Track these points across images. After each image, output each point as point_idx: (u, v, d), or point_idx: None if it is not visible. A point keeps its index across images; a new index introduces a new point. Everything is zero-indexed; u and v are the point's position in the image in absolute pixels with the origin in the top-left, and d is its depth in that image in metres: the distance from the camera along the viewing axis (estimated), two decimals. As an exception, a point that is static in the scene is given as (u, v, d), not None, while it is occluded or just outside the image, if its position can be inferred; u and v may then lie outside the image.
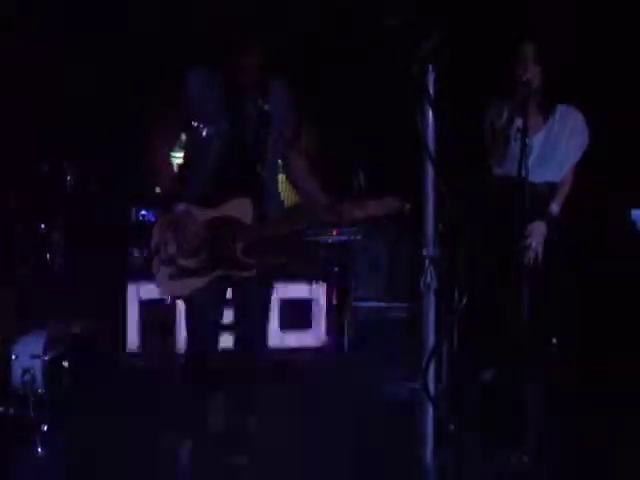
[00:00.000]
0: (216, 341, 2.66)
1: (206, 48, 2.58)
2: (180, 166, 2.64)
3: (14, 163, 4.30)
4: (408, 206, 2.38)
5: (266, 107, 2.50)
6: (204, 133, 2.45)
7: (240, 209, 2.45)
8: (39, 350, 3.37)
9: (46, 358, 3.38)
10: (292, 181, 2.70)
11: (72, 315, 3.89)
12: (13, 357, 3.31)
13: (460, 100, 3.23)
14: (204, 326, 2.59)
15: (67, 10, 4.63)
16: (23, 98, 4.67)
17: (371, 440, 3.18)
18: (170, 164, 2.62)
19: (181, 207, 2.44)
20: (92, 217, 4.48)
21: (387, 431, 3.27)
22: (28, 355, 3.34)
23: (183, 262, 2.43)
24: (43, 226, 3.68)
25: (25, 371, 3.26)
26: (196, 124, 2.46)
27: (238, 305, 2.63)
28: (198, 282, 2.45)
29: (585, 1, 4.05)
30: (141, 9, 4.74)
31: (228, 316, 2.66)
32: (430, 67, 1.89)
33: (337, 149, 5.53)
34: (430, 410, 1.94)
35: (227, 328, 2.71)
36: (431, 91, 1.89)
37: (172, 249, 2.44)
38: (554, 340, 2.89)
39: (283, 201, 2.69)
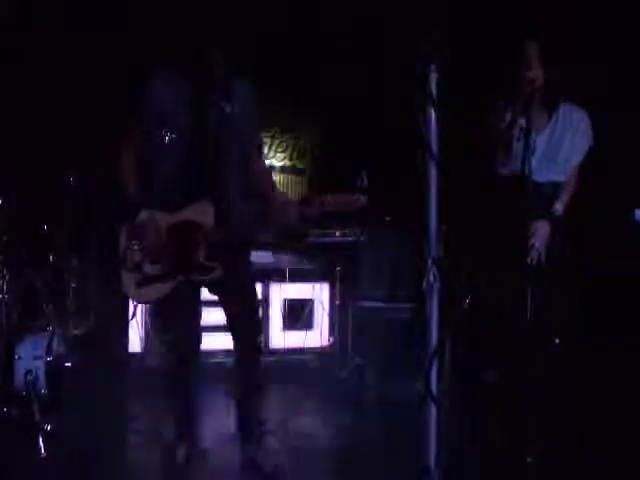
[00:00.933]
0: (197, 342, 2.68)
1: (174, 48, 2.57)
2: (140, 170, 2.60)
3: (15, 163, 4.30)
4: (362, 199, 2.46)
5: (228, 109, 2.47)
6: (166, 137, 2.44)
7: (201, 213, 2.44)
8: (42, 351, 3.38)
9: (49, 359, 3.39)
10: (250, 181, 2.67)
11: (75, 315, 3.89)
12: (16, 358, 3.31)
13: (463, 100, 3.22)
14: (180, 330, 2.61)
15: (67, 10, 4.63)
16: (25, 98, 4.67)
17: (372, 440, 3.17)
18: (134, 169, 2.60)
19: (144, 214, 2.44)
20: (94, 217, 4.48)
21: (389, 431, 3.27)
22: (31, 356, 3.34)
23: (148, 268, 2.44)
24: (45, 227, 3.68)
25: (28, 372, 3.26)
26: (157, 128, 2.45)
27: (222, 304, 2.65)
28: (163, 288, 2.45)
29: (588, 0, 4.04)
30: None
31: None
32: (432, 67, 1.88)
33: (339, 148, 5.53)
34: (433, 410, 1.93)
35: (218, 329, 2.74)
36: (433, 91, 1.88)
37: (137, 256, 2.45)
38: (556, 340, 2.88)
39: (249, 203, 2.63)
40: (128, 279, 2.49)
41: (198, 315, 2.68)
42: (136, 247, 2.44)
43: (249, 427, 2.69)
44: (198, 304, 2.67)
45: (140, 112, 2.53)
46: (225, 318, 2.67)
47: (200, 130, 2.48)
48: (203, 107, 2.48)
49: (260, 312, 2.83)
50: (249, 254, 2.73)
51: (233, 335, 2.66)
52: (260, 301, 4.60)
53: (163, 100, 2.46)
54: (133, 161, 2.54)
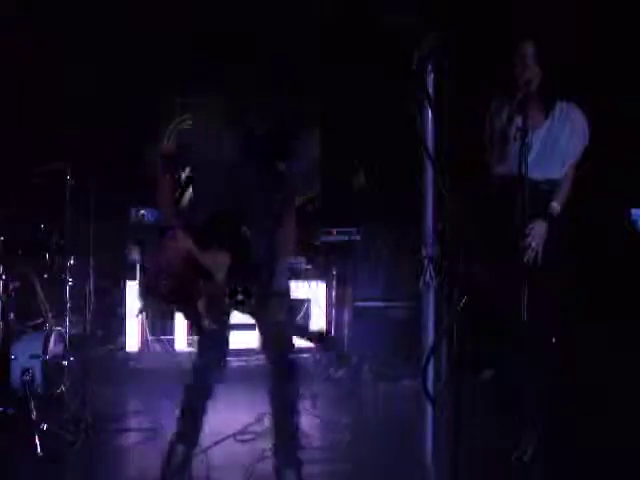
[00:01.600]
0: (226, 344, 2.68)
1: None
2: (182, 186, 2.56)
3: (14, 163, 4.29)
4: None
5: (282, 167, 2.44)
6: (197, 174, 2.41)
7: (215, 262, 2.35)
8: (38, 350, 3.37)
9: (45, 358, 3.38)
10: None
11: (71, 315, 3.89)
12: (12, 357, 3.31)
13: (460, 99, 3.23)
14: (209, 335, 2.55)
15: (67, 10, 4.63)
16: (25, 98, 4.67)
17: (370, 439, 3.18)
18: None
19: (170, 233, 2.36)
20: (92, 217, 4.47)
21: (385, 430, 3.28)
22: (27, 355, 3.34)
23: (163, 289, 2.37)
24: (43, 226, 3.67)
25: (24, 371, 3.26)
26: (191, 164, 2.42)
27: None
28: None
29: (584, 0, 4.05)
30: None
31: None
32: (429, 66, 1.89)
33: (338, 148, 5.53)
34: (429, 409, 1.94)
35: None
36: (430, 90, 1.89)
37: (150, 279, 2.41)
38: (553, 339, 2.88)
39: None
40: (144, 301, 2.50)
41: (224, 340, 2.66)
42: (151, 270, 2.43)
43: (287, 451, 2.61)
44: (223, 331, 2.63)
45: (174, 147, 2.44)
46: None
47: (242, 178, 2.40)
48: (237, 138, 2.41)
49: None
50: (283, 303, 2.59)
51: (266, 355, 2.67)
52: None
53: (195, 134, 2.40)
54: (171, 191, 2.48)
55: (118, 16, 4.78)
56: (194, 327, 2.54)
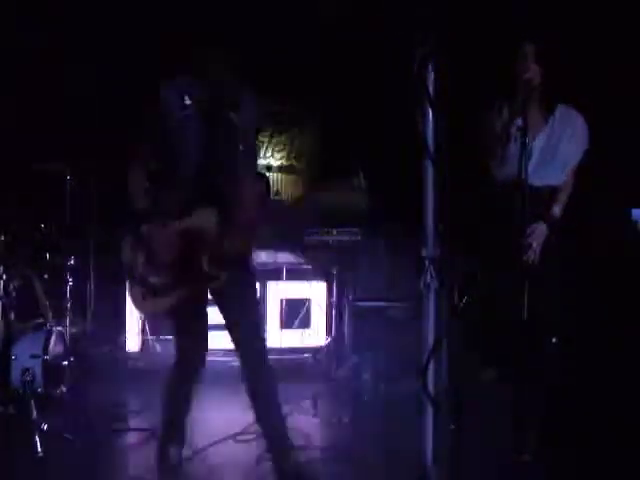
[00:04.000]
0: (205, 343, 2.65)
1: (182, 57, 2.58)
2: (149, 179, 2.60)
3: (14, 163, 4.30)
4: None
5: (235, 120, 2.48)
6: (181, 146, 2.44)
7: (205, 219, 2.42)
8: (39, 350, 3.38)
9: (46, 358, 3.38)
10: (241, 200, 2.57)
11: (71, 315, 3.89)
12: (13, 357, 3.31)
13: (460, 99, 3.23)
14: (188, 333, 2.59)
15: (68, 11, 4.63)
16: (25, 98, 4.67)
17: (370, 439, 3.18)
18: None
19: (149, 226, 2.42)
20: (92, 216, 4.48)
21: (386, 430, 3.28)
22: (28, 355, 3.34)
23: (153, 280, 2.41)
24: (43, 226, 3.68)
25: (25, 371, 3.26)
26: (171, 137, 2.44)
27: (225, 313, 2.61)
28: (171, 300, 2.42)
29: (585, 0, 4.05)
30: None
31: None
32: (430, 67, 1.88)
33: (337, 148, 5.53)
34: (430, 410, 1.94)
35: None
36: (431, 91, 1.88)
37: (142, 268, 2.43)
38: (554, 339, 2.88)
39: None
40: (134, 291, 2.47)
41: (205, 316, 2.65)
42: (141, 259, 2.42)
43: (279, 445, 2.60)
44: (205, 306, 2.64)
45: (148, 124, 2.52)
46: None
47: (206, 141, 2.46)
48: (210, 119, 2.48)
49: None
50: (251, 265, 2.70)
51: (237, 350, 2.61)
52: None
53: (171, 112, 2.44)
54: (141, 175, 2.54)
55: (118, 16, 4.79)
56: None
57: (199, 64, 2.47)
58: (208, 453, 2.94)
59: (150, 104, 2.51)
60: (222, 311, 2.61)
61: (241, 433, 3.14)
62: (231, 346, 2.62)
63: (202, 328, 2.63)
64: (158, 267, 2.41)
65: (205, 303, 2.63)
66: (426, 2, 1.86)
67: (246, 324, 2.56)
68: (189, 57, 2.53)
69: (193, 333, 2.60)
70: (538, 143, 2.76)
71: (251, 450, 2.99)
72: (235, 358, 3.01)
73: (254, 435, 3.10)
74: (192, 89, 2.46)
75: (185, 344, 2.59)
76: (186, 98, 2.45)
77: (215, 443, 3.02)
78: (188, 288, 2.42)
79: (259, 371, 2.57)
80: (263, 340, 2.69)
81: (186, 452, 2.68)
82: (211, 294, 2.60)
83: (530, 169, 2.47)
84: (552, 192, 2.83)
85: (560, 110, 2.84)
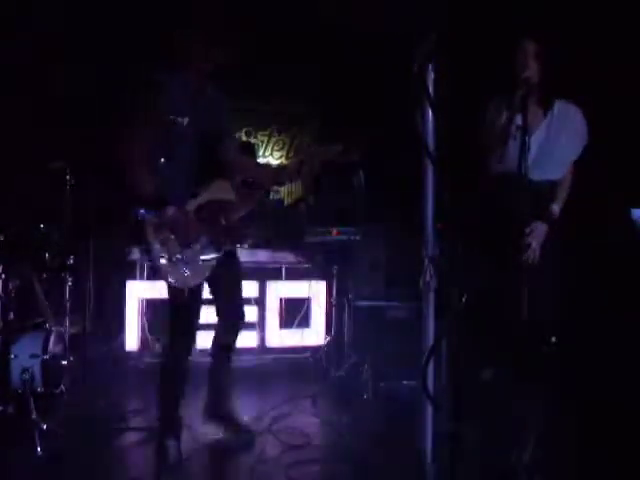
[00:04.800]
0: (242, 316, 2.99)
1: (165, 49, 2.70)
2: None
3: (14, 162, 4.29)
4: (336, 147, 2.66)
5: (213, 103, 2.75)
6: (182, 128, 2.61)
7: (221, 189, 2.69)
8: (38, 349, 3.37)
9: (45, 357, 3.38)
10: (233, 162, 2.90)
11: (71, 314, 3.89)
12: (12, 356, 3.31)
13: (459, 99, 3.23)
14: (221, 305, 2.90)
15: (67, 10, 4.63)
16: (25, 98, 4.66)
17: (370, 439, 3.18)
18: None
19: (170, 209, 2.55)
20: (92, 216, 4.47)
21: (386, 429, 3.28)
22: (27, 354, 3.34)
23: (187, 254, 2.57)
24: (42, 226, 3.67)
25: (24, 370, 3.26)
26: (173, 120, 2.60)
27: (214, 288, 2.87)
28: (209, 265, 2.63)
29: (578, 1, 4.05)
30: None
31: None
32: (430, 66, 1.89)
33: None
34: (429, 409, 1.94)
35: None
36: (430, 90, 1.88)
37: (174, 247, 2.56)
38: (553, 339, 2.88)
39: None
40: (172, 270, 2.56)
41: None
42: (171, 238, 2.55)
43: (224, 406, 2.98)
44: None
45: (149, 109, 2.63)
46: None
47: (203, 121, 2.68)
48: (200, 103, 2.70)
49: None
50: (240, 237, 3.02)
51: (220, 316, 2.93)
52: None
53: (171, 97, 2.63)
54: (145, 160, 2.63)
55: (118, 16, 4.78)
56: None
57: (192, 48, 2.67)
58: (207, 452, 2.94)
59: (150, 88, 2.64)
60: (213, 282, 2.81)
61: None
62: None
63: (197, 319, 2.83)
64: (188, 243, 2.58)
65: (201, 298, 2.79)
66: (426, 2, 1.87)
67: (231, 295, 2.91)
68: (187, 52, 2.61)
69: (194, 323, 2.77)
70: (536, 138, 2.75)
71: (251, 450, 2.99)
72: (235, 358, 3.05)
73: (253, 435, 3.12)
74: (181, 77, 2.67)
75: (186, 336, 2.74)
76: (180, 80, 2.66)
77: (216, 444, 3.02)
78: (224, 249, 2.66)
79: (235, 329, 2.94)
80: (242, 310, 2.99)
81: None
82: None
83: (529, 164, 2.47)
84: (551, 186, 2.83)
85: (559, 105, 2.83)
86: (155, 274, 2.67)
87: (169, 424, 2.74)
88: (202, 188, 2.66)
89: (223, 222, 2.65)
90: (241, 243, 2.81)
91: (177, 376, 2.76)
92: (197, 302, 2.71)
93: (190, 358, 2.79)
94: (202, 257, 2.61)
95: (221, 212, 2.66)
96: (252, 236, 2.82)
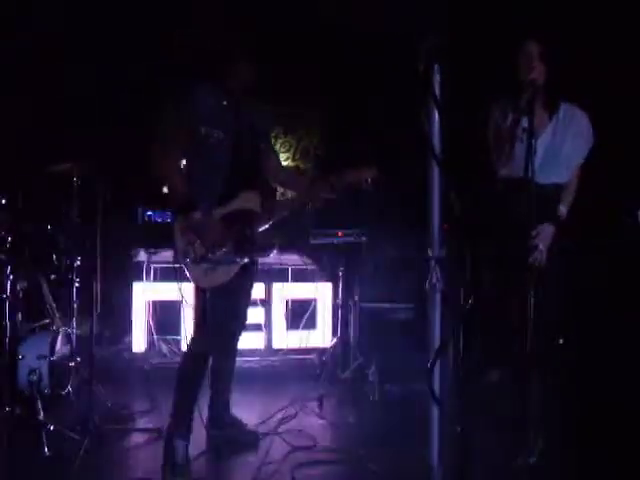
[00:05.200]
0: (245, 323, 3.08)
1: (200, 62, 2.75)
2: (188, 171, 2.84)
3: (20, 164, 4.31)
4: (372, 170, 2.80)
5: (251, 118, 2.85)
6: (216, 139, 2.70)
7: (249, 200, 2.79)
8: (45, 350, 3.39)
9: (52, 358, 3.39)
10: (274, 176, 3.10)
11: (78, 315, 3.90)
12: (19, 357, 3.32)
13: (465, 100, 3.22)
14: (237, 309, 2.94)
15: (67, 10, 4.64)
16: (26, 98, 4.68)
17: (376, 440, 3.17)
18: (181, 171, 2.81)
19: (196, 214, 2.64)
20: (99, 218, 4.49)
21: (392, 431, 3.27)
22: (34, 355, 3.35)
23: (212, 256, 2.67)
24: (50, 227, 3.69)
25: (31, 371, 3.27)
26: (207, 131, 2.69)
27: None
28: (233, 268, 2.71)
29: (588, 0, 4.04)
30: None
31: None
32: (435, 67, 1.88)
33: (342, 148, 5.53)
34: (436, 411, 1.94)
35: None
36: (436, 91, 1.88)
37: (200, 249, 2.65)
38: (560, 340, 2.87)
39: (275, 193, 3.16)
40: (196, 270, 2.67)
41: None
42: (196, 242, 2.64)
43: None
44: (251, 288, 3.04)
45: (186, 114, 2.70)
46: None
47: (238, 133, 2.78)
48: (238, 110, 2.80)
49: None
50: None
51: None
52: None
53: (209, 103, 2.71)
54: (179, 163, 2.76)
55: (118, 15, 4.79)
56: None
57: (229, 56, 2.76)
58: (211, 454, 2.94)
59: (189, 94, 2.71)
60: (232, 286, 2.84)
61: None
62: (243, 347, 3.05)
63: (246, 302, 3.05)
64: (213, 246, 2.67)
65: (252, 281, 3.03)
66: (427, 2, 1.87)
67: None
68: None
69: (240, 306, 2.94)
70: (542, 141, 2.74)
71: (257, 451, 2.99)
72: (241, 359, 3.06)
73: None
74: (218, 89, 2.77)
75: (227, 321, 2.83)
76: (219, 88, 2.76)
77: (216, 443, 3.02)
78: (246, 258, 2.77)
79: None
80: None
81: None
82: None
83: (535, 167, 2.46)
84: (556, 189, 2.83)
85: (564, 108, 2.83)
86: (181, 274, 2.72)
87: (181, 424, 2.74)
88: (231, 198, 2.76)
89: (248, 231, 2.74)
90: (266, 254, 2.89)
91: (197, 376, 2.80)
92: (224, 301, 2.74)
93: (225, 358, 2.98)
94: (226, 261, 2.69)
95: (246, 221, 2.75)
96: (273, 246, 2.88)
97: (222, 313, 2.75)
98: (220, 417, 3.06)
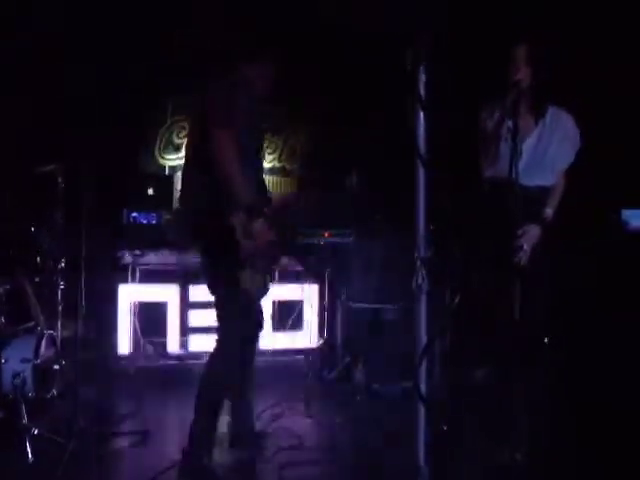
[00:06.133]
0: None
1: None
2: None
3: (5, 165, 4.26)
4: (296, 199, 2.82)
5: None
6: (247, 139, 2.64)
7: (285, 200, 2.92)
8: (29, 353, 3.35)
9: (37, 362, 3.36)
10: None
11: (63, 318, 3.86)
12: (3, 361, 3.28)
13: (451, 101, 3.23)
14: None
15: (67, 10, 4.61)
16: (26, 98, 4.64)
17: (363, 440, 3.18)
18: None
19: (259, 222, 2.58)
20: (84, 219, 4.45)
21: (378, 431, 3.28)
22: (18, 359, 3.31)
23: (259, 263, 2.65)
24: (34, 228, 3.65)
25: (15, 375, 3.24)
26: (246, 129, 2.63)
27: None
28: (262, 279, 2.74)
29: (577, 2, 4.06)
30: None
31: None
32: (421, 68, 1.89)
33: (329, 149, 5.53)
34: (422, 410, 1.94)
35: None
36: (422, 92, 1.89)
37: (250, 253, 2.60)
38: (546, 339, 2.89)
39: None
40: (244, 275, 2.62)
41: None
42: (253, 249, 2.59)
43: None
44: None
45: (236, 115, 2.58)
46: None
47: (258, 134, 2.86)
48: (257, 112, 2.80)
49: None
50: None
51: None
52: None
53: (246, 105, 2.65)
54: (239, 163, 2.57)
55: (118, 15, 4.76)
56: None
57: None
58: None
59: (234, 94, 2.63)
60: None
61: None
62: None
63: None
64: (265, 252, 2.65)
65: None
66: (424, 2, 1.87)
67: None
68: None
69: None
70: (527, 146, 2.75)
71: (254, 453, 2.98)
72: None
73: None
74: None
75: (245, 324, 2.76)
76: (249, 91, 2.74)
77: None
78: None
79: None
80: None
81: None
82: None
83: (520, 169, 2.47)
84: (541, 192, 2.84)
85: (551, 112, 2.84)
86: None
87: (205, 441, 2.58)
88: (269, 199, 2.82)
89: (288, 234, 2.77)
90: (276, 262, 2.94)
91: (229, 379, 2.73)
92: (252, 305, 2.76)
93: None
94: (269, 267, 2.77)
95: (282, 226, 2.80)
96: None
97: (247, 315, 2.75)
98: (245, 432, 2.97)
